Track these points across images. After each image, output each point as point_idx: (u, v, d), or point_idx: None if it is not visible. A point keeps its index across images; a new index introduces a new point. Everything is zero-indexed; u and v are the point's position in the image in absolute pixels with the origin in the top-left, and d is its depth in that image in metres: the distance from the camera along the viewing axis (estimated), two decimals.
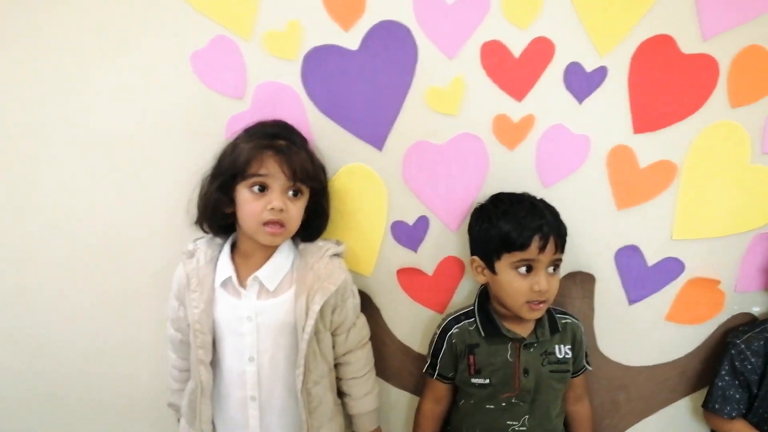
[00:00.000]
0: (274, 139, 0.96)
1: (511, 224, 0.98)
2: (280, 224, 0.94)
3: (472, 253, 1.06)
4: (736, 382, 1.08)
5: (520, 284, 0.98)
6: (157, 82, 1.07)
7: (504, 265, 1.00)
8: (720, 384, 1.09)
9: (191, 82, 1.06)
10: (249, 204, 0.94)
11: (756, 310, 1.14)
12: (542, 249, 0.96)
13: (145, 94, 1.08)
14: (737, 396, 1.08)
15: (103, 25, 1.05)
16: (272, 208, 0.92)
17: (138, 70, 1.07)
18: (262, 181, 0.94)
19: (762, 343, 1.06)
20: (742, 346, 1.07)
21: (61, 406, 1.29)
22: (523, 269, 0.98)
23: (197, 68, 1.06)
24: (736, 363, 1.07)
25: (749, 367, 1.06)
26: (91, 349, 1.25)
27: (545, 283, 0.97)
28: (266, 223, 0.93)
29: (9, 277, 1.21)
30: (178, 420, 1.12)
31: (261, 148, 0.94)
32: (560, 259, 1.00)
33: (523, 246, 0.96)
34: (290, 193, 0.95)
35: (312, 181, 0.98)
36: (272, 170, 0.93)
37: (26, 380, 1.28)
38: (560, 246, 0.99)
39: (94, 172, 1.13)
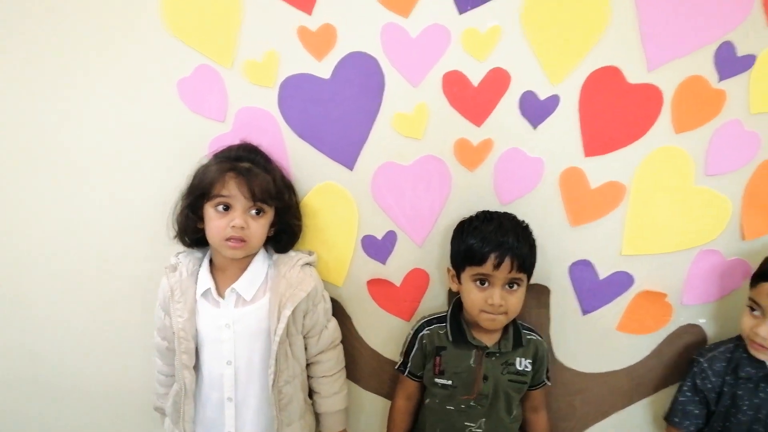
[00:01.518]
0: (237, 162, 1.03)
1: (474, 240, 1.06)
2: (242, 240, 1.02)
3: (451, 263, 1.14)
4: (696, 399, 1.13)
5: (477, 296, 1.06)
6: (147, 106, 1.16)
7: (466, 276, 1.08)
8: (681, 399, 1.14)
9: (177, 106, 1.15)
10: (213, 221, 1.02)
11: (702, 321, 1.21)
12: (497, 266, 1.02)
13: (136, 117, 1.17)
14: (696, 412, 1.13)
15: (97, 55, 1.14)
16: (233, 226, 1.00)
17: (130, 96, 1.16)
18: (224, 201, 1.02)
19: (724, 364, 1.10)
20: (705, 365, 1.11)
21: (55, 410, 1.38)
22: (479, 282, 1.06)
23: (183, 94, 1.15)
24: (698, 381, 1.12)
25: (709, 385, 1.11)
26: (82, 355, 1.33)
27: (498, 298, 1.03)
28: (228, 239, 1.01)
29: (3, 289, 1.29)
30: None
31: (224, 170, 1.02)
32: (519, 278, 1.05)
33: (480, 262, 1.04)
34: (253, 211, 1.03)
35: (274, 200, 1.05)
36: (233, 191, 1.01)
37: (21, 386, 1.37)
38: (519, 266, 1.03)
39: (86, 189, 1.22)
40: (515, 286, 1.06)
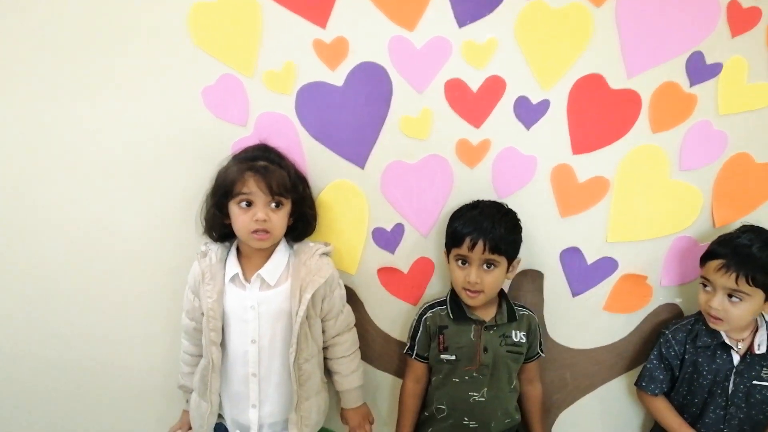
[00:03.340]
0: (254, 161, 1.13)
1: (457, 224, 1.19)
2: (266, 231, 1.12)
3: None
4: (662, 366, 1.27)
5: (458, 274, 1.19)
6: (175, 112, 1.25)
7: (451, 257, 1.21)
8: (649, 366, 1.29)
9: (203, 112, 1.25)
10: (239, 217, 1.13)
11: (678, 301, 1.34)
12: (471, 248, 1.15)
13: (165, 122, 1.26)
14: (661, 377, 1.27)
15: (130, 66, 1.23)
16: (257, 219, 1.11)
17: (159, 102, 1.25)
18: (246, 198, 1.12)
19: (685, 334, 1.24)
20: (669, 335, 1.26)
21: (87, 390, 1.47)
22: (460, 262, 1.19)
23: (207, 100, 1.24)
24: (663, 350, 1.26)
25: (672, 353, 1.25)
26: (113, 340, 1.42)
27: (474, 276, 1.16)
28: (254, 232, 1.12)
29: (40, 282, 1.38)
30: (187, 401, 1.31)
31: (243, 170, 1.12)
32: (494, 260, 1.15)
33: (459, 243, 1.17)
34: (272, 204, 1.13)
35: (290, 192, 1.15)
36: (253, 188, 1.11)
37: (56, 370, 1.45)
38: (492, 248, 1.14)
39: (119, 187, 1.31)
40: (492, 267, 1.17)
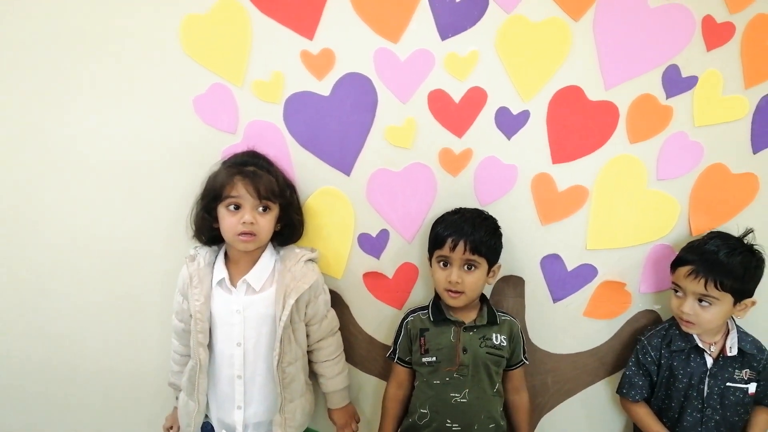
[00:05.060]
0: (243, 166, 1.17)
1: (439, 228, 1.23)
2: (252, 234, 1.15)
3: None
4: (640, 372, 1.30)
5: (440, 275, 1.23)
6: (167, 119, 1.29)
7: (434, 259, 1.25)
8: (628, 373, 1.31)
9: (193, 120, 1.28)
10: (226, 220, 1.16)
11: (657, 307, 1.37)
12: (453, 249, 1.19)
13: (158, 130, 1.30)
14: (640, 383, 1.30)
15: (124, 75, 1.27)
16: (244, 222, 1.14)
17: (151, 110, 1.29)
18: (234, 201, 1.15)
19: (660, 339, 1.28)
20: (645, 341, 1.29)
21: (79, 390, 1.49)
22: (442, 264, 1.22)
23: (198, 109, 1.28)
24: (640, 356, 1.29)
25: (648, 358, 1.28)
26: (106, 341, 1.45)
27: (456, 276, 1.20)
28: (240, 234, 1.15)
29: (35, 283, 1.41)
30: (176, 397, 1.34)
31: (232, 174, 1.15)
32: (474, 261, 1.20)
33: (441, 244, 1.21)
34: (260, 209, 1.17)
35: (278, 198, 1.18)
36: (242, 192, 1.15)
37: (49, 370, 1.48)
38: (472, 249, 1.18)
39: (112, 193, 1.35)
40: (473, 268, 1.21)
